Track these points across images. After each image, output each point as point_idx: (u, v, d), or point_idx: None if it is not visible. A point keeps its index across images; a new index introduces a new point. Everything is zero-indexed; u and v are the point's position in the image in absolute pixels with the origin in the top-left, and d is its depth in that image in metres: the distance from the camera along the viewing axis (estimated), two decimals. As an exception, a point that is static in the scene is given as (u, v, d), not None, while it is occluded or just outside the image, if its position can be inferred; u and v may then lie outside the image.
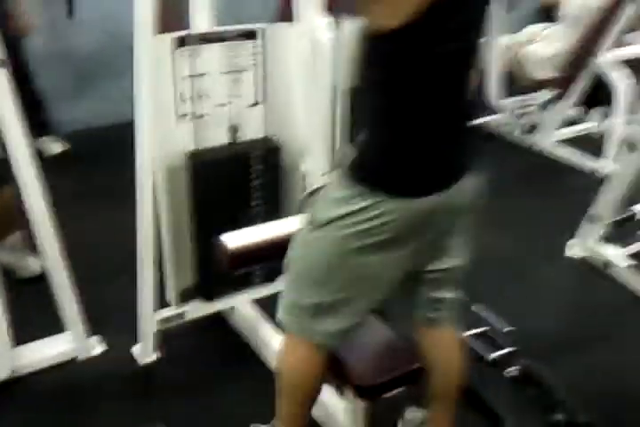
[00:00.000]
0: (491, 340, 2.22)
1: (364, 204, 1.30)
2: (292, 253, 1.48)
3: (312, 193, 1.46)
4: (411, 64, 1.26)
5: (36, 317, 2.17)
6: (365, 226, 1.32)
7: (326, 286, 1.41)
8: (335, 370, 1.54)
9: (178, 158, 1.95)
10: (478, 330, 2.25)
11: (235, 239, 1.67)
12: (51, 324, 2.15)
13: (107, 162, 3.38)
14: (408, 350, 1.54)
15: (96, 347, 2.19)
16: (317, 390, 1.58)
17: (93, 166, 3.41)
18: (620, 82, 3.46)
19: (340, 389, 1.87)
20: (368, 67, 1.31)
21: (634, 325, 2.38)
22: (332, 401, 1.83)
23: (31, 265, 2.49)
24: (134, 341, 2.16)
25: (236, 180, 2.02)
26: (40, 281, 2.31)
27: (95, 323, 2.17)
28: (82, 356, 2.15)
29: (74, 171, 3.31)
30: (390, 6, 1.18)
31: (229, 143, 2.02)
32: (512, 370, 2.08)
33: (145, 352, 2.13)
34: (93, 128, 3.80)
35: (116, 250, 2.59)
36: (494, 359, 2.14)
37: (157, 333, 2.12)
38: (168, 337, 2.16)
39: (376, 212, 1.30)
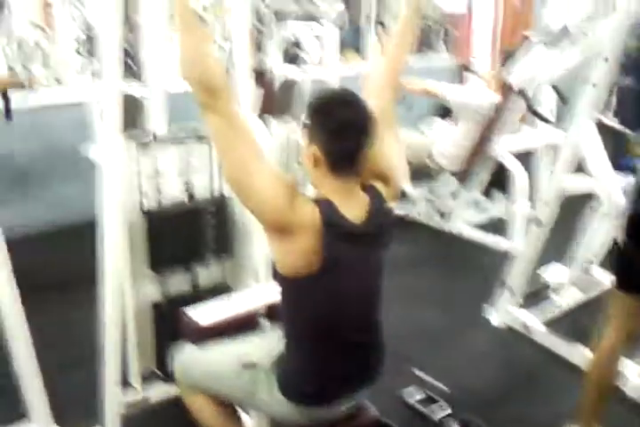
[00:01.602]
0: (433, 401, 2.44)
1: (274, 402, 1.68)
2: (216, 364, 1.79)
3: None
4: (313, 304, 1.58)
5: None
6: (274, 409, 1.72)
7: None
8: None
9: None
10: (422, 395, 2.48)
11: (203, 315, 1.84)
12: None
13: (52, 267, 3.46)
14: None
15: (61, 436, 2.24)
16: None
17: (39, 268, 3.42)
18: (516, 169, 3.95)
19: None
20: (282, 301, 1.65)
21: (552, 379, 2.67)
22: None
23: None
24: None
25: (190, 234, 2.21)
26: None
27: (56, 412, 2.21)
28: (48, 445, 2.19)
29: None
30: (293, 264, 1.52)
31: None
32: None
33: (111, 437, 2.20)
34: (31, 233, 3.76)
35: (70, 344, 2.71)
36: (439, 420, 2.36)
37: (122, 416, 2.20)
38: (131, 421, 2.23)
39: (284, 410, 1.68)
